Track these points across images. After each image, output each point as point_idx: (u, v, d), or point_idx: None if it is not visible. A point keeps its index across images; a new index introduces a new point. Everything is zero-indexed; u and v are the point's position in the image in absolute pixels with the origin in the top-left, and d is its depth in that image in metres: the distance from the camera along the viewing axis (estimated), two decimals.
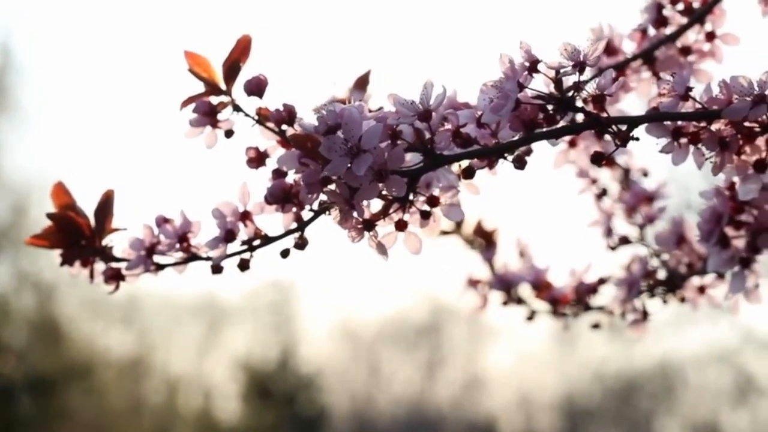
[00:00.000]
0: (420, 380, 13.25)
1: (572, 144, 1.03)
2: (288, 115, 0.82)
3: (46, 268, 9.09)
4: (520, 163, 0.79)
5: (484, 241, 1.23)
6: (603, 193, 1.12)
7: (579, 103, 0.77)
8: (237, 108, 0.87)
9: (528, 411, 13.42)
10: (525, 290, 1.20)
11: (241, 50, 0.86)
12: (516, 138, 0.78)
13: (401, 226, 0.79)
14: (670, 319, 9.23)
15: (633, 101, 1.02)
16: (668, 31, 1.00)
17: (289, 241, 0.83)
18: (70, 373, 9.08)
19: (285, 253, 0.83)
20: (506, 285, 1.20)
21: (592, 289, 1.11)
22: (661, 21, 1.00)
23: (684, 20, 0.99)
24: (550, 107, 0.77)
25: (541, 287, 1.17)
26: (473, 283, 1.22)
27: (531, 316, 1.18)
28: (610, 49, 0.99)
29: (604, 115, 0.77)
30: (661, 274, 1.04)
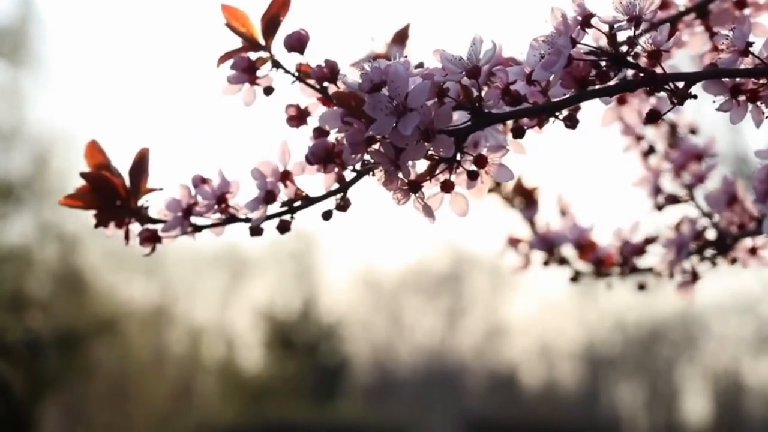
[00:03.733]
0: (441, 329, 13.29)
1: (622, 101, 1.00)
2: (330, 72, 0.79)
3: (69, 220, 9.12)
4: (571, 122, 0.76)
5: (525, 199, 1.19)
6: (650, 151, 1.07)
7: (633, 59, 0.74)
8: (276, 64, 0.84)
9: (549, 360, 13.45)
10: (568, 250, 1.16)
11: (281, 4, 0.83)
12: (568, 96, 0.75)
13: (448, 187, 0.76)
14: None
15: (681, 56, 0.99)
16: None
17: (330, 203, 0.80)
18: (95, 325, 9.13)
19: (327, 215, 0.80)
20: (548, 245, 1.16)
21: (639, 250, 1.07)
22: None
23: None
24: (603, 63, 0.74)
25: (585, 247, 1.13)
26: (514, 243, 1.18)
27: (575, 278, 1.15)
28: (663, 3, 0.95)
29: (660, 71, 0.74)
30: (711, 235, 1.00)
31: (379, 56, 1.04)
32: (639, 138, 1.08)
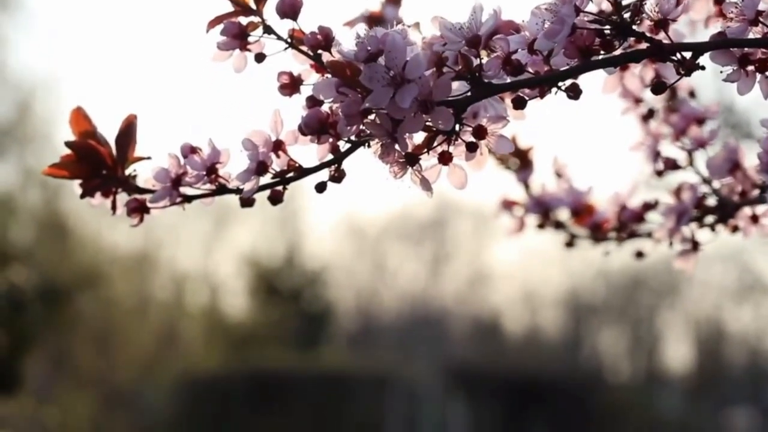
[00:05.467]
0: (425, 276, 13.29)
1: (624, 68, 0.96)
2: (324, 40, 0.76)
3: None
4: (574, 92, 0.73)
5: (520, 160, 1.15)
6: (650, 115, 1.04)
7: (638, 27, 0.72)
8: (268, 30, 0.80)
9: (532, 306, 13.49)
10: (563, 214, 1.13)
11: None
12: (571, 66, 0.72)
13: (446, 159, 0.74)
14: None
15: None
16: None
17: (324, 174, 0.78)
18: (78, 273, 9.09)
19: (320, 187, 0.78)
20: (543, 208, 1.13)
21: (637, 216, 1.04)
22: None
23: None
24: (607, 32, 0.72)
25: (581, 212, 1.10)
26: (508, 206, 1.15)
27: (570, 242, 1.12)
28: None
29: (667, 41, 0.71)
30: (711, 202, 0.97)
31: (374, 15, 1.02)
32: (638, 101, 1.04)
